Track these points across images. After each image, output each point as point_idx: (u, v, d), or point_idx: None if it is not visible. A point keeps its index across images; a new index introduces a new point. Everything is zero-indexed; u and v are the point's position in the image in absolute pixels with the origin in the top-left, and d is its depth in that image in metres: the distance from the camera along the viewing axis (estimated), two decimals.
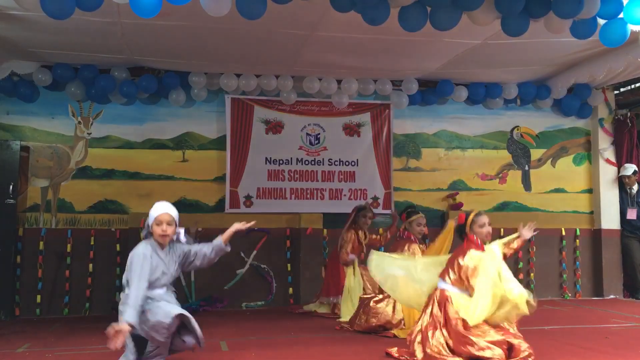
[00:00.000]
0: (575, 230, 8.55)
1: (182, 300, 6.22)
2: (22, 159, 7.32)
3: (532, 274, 8.33)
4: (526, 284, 8.28)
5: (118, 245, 7.44)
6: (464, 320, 4.44)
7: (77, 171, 7.55)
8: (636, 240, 8.39)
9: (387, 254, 5.59)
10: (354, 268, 6.70)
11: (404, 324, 5.56)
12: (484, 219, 4.70)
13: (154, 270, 4.19)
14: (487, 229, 4.69)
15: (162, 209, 4.28)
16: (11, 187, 7.15)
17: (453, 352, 4.42)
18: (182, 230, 4.36)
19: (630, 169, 8.37)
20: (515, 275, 8.09)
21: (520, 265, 8.33)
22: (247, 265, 7.76)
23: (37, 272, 7.24)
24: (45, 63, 7.03)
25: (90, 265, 7.37)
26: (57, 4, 4.40)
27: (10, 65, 6.77)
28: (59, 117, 7.54)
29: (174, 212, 4.32)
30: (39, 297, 7.21)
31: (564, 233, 8.51)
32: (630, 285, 8.43)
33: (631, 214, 8.34)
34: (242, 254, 7.73)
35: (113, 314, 7.23)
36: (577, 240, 8.54)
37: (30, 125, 7.47)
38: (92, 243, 7.41)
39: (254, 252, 7.78)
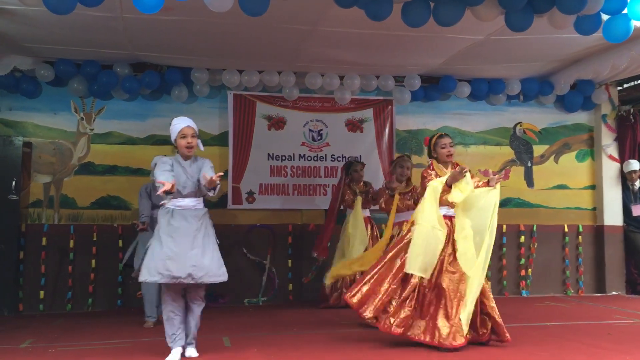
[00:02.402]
0: (578, 226, 8.54)
1: None
2: (25, 155, 7.32)
3: (529, 270, 8.31)
4: (526, 280, 8.30)
5: (120, 241, 7.44)
6: None
7: (79, 167, 7.55)
8: None
9: None
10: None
11: None
12: (446, 140, 5.03)
13: (177, 178, 4.43)
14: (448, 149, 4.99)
15: (184, 122, 4.57)
16: (14, 183, 7.16)
17: None
18: (200, 141, 4.63)
19: (634, 164, 8.34)
20: (517, 271, 8.23)
21: (522, 261, 8.33)
22: (266, 269, 7.77)
23: (40, 268, 7.25)
24: (48, 59, 7.03)
25: (93, 261, 7.38)
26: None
27: (12, 61, 6.76)
28: (62, 113, 7.54)
29: (194, 124, 4.62)
30: (42, 293, 7.22)
31: (566, 229, 8.49)
32: (633, 281, 8.41)
33: (637, 211, 8.29)
34: (245, 250, 7.73)
35: (116, 310, 7.32)
36: (580, 237, 8.52)
37: (33, 121, 7.48)
38: (94, 239, 7.42)
39: (268, 256, 7.81)
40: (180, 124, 4.57)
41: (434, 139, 5.11)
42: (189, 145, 4.52)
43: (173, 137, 4.60)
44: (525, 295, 8.24)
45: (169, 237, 4.42)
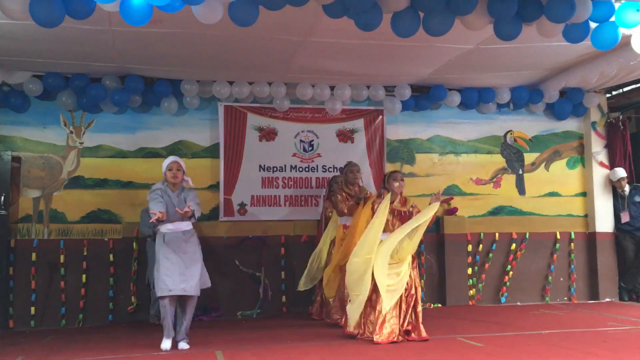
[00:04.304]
0: (570, 233, 8.55)
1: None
2: (14, 170, 7.26)
3: (522, 278, 8.31)
4: (516, 287, 8.30)
5: (111, 255, 7.38)
6: None
7: (69, 181, 7.49)
8: (632, 242, 8.33)
9: None
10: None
11: None
12: (398, 175, 5.94)
13: (165, 205, 5.49)
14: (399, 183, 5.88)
15: (172, 159, 5.75)
16: (3, 198, 7.09)
17: None
18: (189, 179, 5.74)
19: (620, 172, 8.35)
20: (510, 279, 8.22)
21: (511, 269, 8.32)
22: (261, 282, 7.72)
23: (30, 283, 7.17)
24: (36, 72, 6.99)
25: (84, 276, 7.30)
26: (47, 12, 4.36)
27: (0, 75, 6.71)
28: (51, 127, 7.48)
29: (181, 160, 5.77)
30: (32, 309, 7.13)
31: (558, 237, 8.50)
32: (625, 288, 8.41)
33: (625, 217, 8.33)
34: (237, 262, 7.68)
35: (108, 325, 7.26)
36: (572, 244, 8.53)
37: (22, 136, 7.41)
38: (85, 253, 7.35)
39: (262, 267, 7.75)
40: (168, 160, 5.75)
41: (388, 174, 6.05)
42: (174, 176, 5.64)
43: (163, 171, 5.70)
44: (519, 304, 8.23)
45: (165, 259, 5.47)
